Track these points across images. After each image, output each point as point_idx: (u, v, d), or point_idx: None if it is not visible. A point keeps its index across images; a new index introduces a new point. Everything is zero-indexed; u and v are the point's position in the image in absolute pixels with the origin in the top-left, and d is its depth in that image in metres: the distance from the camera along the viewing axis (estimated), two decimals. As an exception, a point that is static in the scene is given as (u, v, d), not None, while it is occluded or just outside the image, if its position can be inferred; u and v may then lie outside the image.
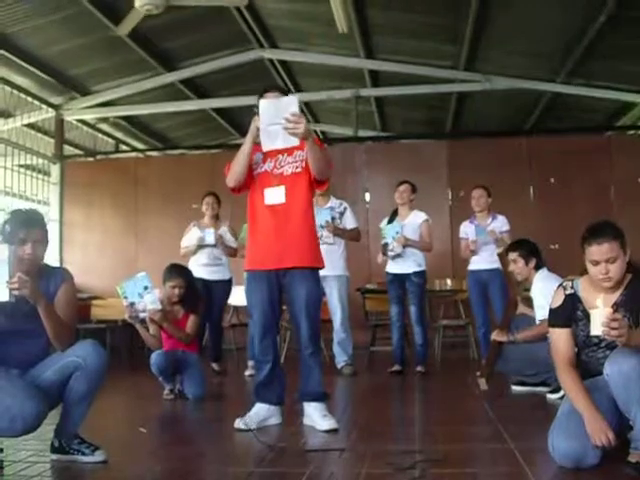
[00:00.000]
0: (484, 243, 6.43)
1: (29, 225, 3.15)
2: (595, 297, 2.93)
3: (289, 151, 3.94)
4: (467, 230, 6.67)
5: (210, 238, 6.76)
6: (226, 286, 7.00)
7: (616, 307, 2.96)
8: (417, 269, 6.45)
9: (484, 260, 6.41)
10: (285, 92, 4.01)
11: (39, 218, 3.28)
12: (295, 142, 3.71)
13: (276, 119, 3.61)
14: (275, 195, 3.93)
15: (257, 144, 3.86)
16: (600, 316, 2.68)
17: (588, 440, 2.83)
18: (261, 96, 3.95)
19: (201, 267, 6.75)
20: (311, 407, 4.00)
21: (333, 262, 6.51)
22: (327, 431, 3.81)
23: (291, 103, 3.66)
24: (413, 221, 6.49)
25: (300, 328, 3.98)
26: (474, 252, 6.49)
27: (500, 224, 6.53)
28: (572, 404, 2.97)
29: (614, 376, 2.78)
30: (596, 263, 2.97)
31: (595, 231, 2.98)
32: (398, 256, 6.37)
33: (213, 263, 6.86)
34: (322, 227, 6.40)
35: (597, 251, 2.95)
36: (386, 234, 6.44)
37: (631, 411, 2.75)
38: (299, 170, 3.97)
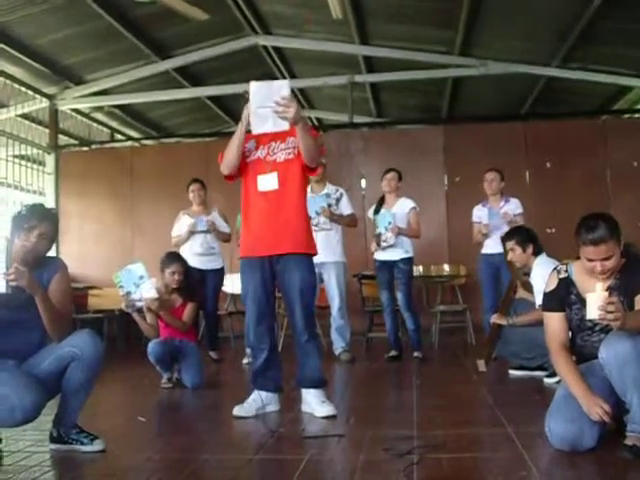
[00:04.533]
0: (496, 227, 6.35)
1: (42, 217, 3.20)
2: (589, 281, 2.94)
3: (282, 137, 3.94)
4: (479, 214, 6.63)
5: (202, 224, 6.77)
6: (219, 275, 7.01)
7: (610, 290, 2.96)
8: (404, 256, 6.45)
9: (497, 244, 6.17)
10: None
11: (54, 216, 3.33)
12: (286, 126, 3.69)
13: (267, 102, 3.60)
14: (268, 181, 3.93)
15: (250, 132, 3.85)
16: (596, 300, 2.68)
17: (584, 423, 2.84)
18: None
19: (195, 256, 6.73)
20: (310, 394, 4.01)
21: (331, 248, 6.52)
22: (325, 417, 3.83)
23: (282, 86, 3.66)
24: (401, 209, 6.49)
25: (295, 315, 3.98)
26: (486, 236, 6.44)
27: (514, 207, 6.49)
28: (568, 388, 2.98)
29: (609, 359, 2.79)
30: (591, 260, 2.96)
31: (590, 230, 2.91)
32: (391, 246, 6.37)
33: (207, 252, 6.86)
34: (318, 214, 6.40)
35: (593, 252, 2.93)
36: (378, 224, 6.43)
37: (627, 394, 2.76)
38: (291, 156, 3.96)
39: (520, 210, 6.48)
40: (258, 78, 3.90)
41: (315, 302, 6.56)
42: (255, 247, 3.98)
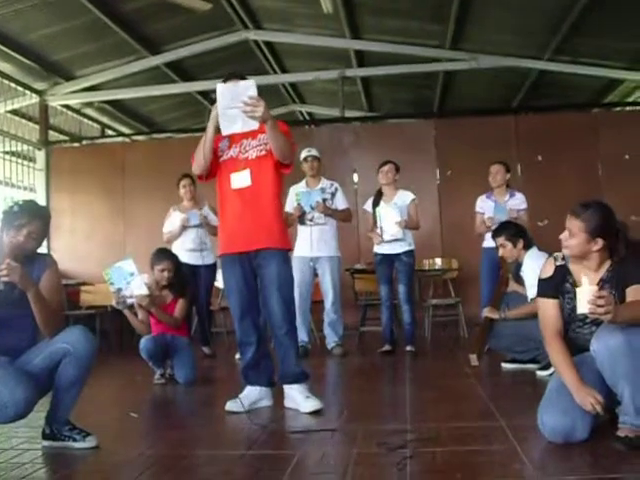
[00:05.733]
0: (500, 220, 6.26)
1: (32, 216, 3.19)
2: (582, 271, 2.96)
3: (253, 135, 3.96)
4: (483, 205, 6.57)
5: (195, 219, 6.77)
6: (211, 270, 7.00)
7: (602, 283, 2.98)
8: (407, 248, 6.44)
9: None
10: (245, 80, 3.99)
11: (45, 215, 3.32)
12: (255, 125, 3.73)
13: (234, 103, 3.63)
14: (241, 179, 3.96)
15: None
16: (586, 294, 2.69)
17: (577, 415, 2.85)
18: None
19: (187, 252, 6.75)
20: (293, 389, 4.00)
21: (325, 243, 6.53)
22: (311, 413, 3.81)
23: (249, 87, 3.67)
24: (401, 201, 6.47)
25: (272, 307, 3.98)
26: (489, 229, 6.42)
27: (518, 201, 6.46)
28: (561, 380, 2.99)
29: (601, 352, 2.80)
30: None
31: (581, 204, 3.06)
32: (397, 240, 6.36)
33: (199, 248, 6.86)
34: (312, 208, 6.41)
35: (567, 219, 3.07)
36: (381, 217, 6.41)
37: (618, 386, 2.77)
38: (264, 153, 3.98)
39: (525, 205, 6.45)
40: (225, 78, 3.95)
41: (310, 297, 6.64)
42: (232, 244, 4.01)
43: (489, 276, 6.45)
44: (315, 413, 3.81)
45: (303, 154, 6.65)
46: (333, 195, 6.66)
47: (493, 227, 6.25)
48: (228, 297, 4.14)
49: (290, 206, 6.48)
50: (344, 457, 2.90)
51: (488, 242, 6.48)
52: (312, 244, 6.49)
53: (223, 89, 3.69)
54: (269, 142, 3.89)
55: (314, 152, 6.67)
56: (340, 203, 6.67)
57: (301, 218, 6.51)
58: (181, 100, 12.25)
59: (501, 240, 5.33)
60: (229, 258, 4.03)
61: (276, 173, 4.02)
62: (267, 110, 3.67)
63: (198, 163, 4.00)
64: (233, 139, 4.01)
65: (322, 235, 6.53)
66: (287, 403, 4.02)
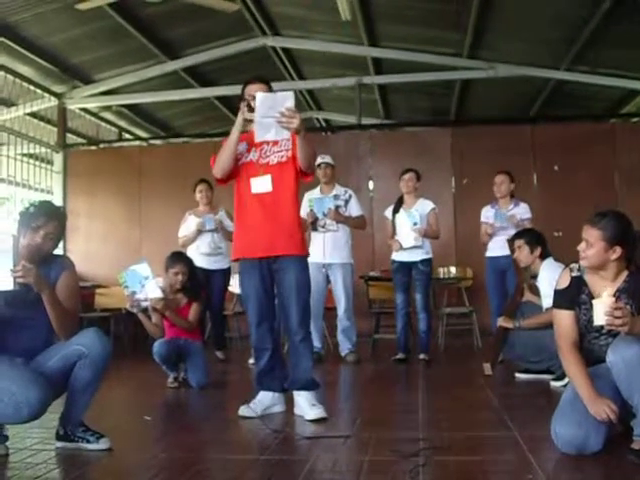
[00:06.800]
0: (501, 228, 6.35)
1: (49, 217, 3.21)
2: (600, 281, 2.95)
3: (274, 141, 3.98)
4: (488, 214, 6.61)
5: (210, 223, 6.79)
6: (225, 275, 7.02)
7: (618, 294, 2.96)
8: (425, 257, 6.43)
9: (502, 247, 6.22)
10: (268, 83, 4.07)
11: (62, 215, 3.33)
12: (287, 135, 3.81)
13: (271, 112, 3.67)
14: (262, 184, 3.97)
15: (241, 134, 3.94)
16: (603, 306, 2.69)
17: (591, 427, 2.84)
18: (245, 86, 4.05)
19: (202, 256, 6.76)
20: (301, 396, 4.00)
21: (338, 250, 6.52)
22: (315, 420, 3.80)
23: (287, 98, 3.72)
24: (421, 209, 6.45)
25: (289, 313, 3.98)
26: (491, 236, 6.45)
27: (522, 211, 6.46)
28: (575, 391, 2.98)
29: (617, 363, 2.78)
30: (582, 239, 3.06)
31: (598, 213, 3.05)
32: (415, 247, 6.36)
33: (214, 252, 6.87)
34: (325, 215, 6.41)
35: (584, 229, 3.06)
36: (399, 225, 6.41)
37: (634, 398, 2.76)
38: (284, 159, 4.00)
39: (528, 215, 6.45)
40: (247, 81, 4.05)
41: (324, 303, 6.63)
42: (251, 248, 4.00)
43: (495, 285, 6.47)
44: (319, 421, 3.80)
45: (317, 161, 6.66)
46: (347, 202, 6.65)
47: (495, 235, 6.32)
48: (245, 303, 4.12)
49: (304, 212, 6.48)
50: (356, 464, 2.90)
51: (490, 252, 6.53)
52: (325, 250, 6.49)
53: (263, 98, 3.71)
54: (298, 152, 3.91)
55: (327, 159, 6.67)
56: (354, 210, 6.66)
57: (314, 224, 6.50)
58: (198, 105, 12.31)
59: (520, 242, 5.30)
60: (249, 263, 4.03)
61: (296, 180, 4.04)
62: (302, 122, 3.72)
63: (221, 166, 4.02)
64: (253, 143, 4.02)
65: (335, 242, 6.52)
66: (296, 410, 4.03)
